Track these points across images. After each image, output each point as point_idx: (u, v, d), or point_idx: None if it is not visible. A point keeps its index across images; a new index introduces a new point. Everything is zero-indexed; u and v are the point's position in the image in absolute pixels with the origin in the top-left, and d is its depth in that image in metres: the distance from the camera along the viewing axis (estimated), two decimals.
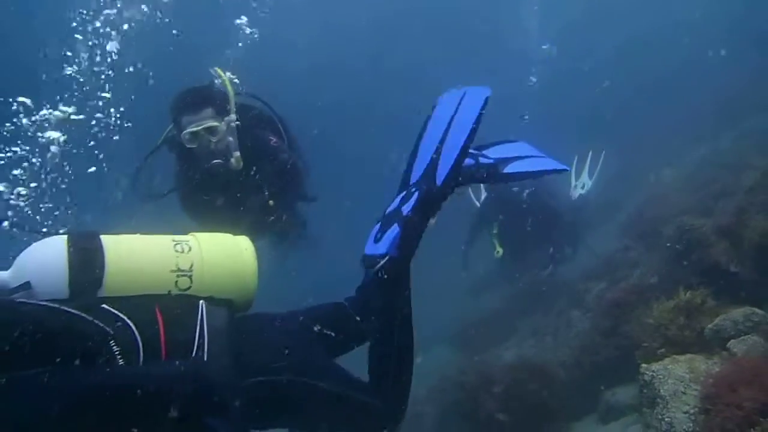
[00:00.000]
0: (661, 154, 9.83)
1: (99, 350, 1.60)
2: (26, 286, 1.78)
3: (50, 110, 4.70)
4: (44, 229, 2.03)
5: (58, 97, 5.02)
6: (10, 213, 4.30)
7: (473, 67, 15.46)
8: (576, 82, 15.18)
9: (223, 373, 1.76)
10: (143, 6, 6.37)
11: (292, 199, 4.12)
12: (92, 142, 5.16)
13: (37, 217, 4.58)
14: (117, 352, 1.63)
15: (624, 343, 4.58)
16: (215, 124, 3.54)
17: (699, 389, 3.16)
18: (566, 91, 15.04)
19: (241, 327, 2.00)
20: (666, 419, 3.18)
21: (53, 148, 4.64)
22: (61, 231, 1.97)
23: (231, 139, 3.62)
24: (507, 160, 2.50)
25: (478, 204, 7.76)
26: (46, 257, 1.85)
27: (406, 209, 2.18)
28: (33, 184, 4.49)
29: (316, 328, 2.28)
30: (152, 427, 1.59)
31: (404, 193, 2.27)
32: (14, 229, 2.01)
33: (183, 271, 1.99)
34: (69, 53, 5.52)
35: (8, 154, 4.42)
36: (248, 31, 9.45)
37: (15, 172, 4.46)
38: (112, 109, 5.33)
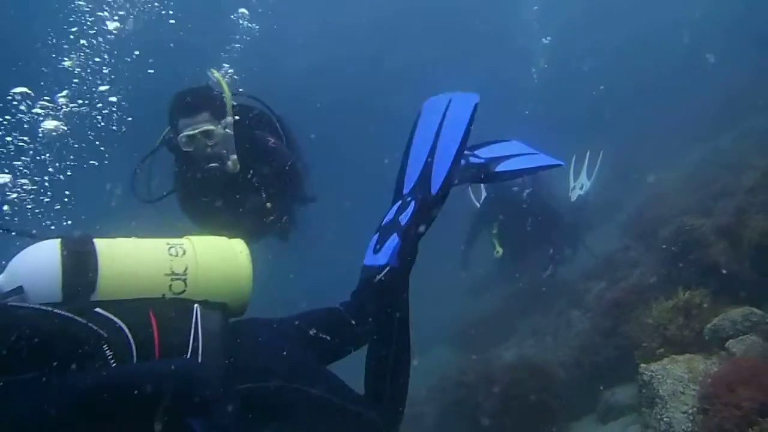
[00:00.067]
0: (661, 154, 9.83)
1: (92, 354, 1.59)
2: (19, 290, 1.77)
3: (49, 101, 4.71)
4: (33, 231, 1.99)
5: (57, 89, 5.05)
6: (5, 207, 4.31)
7: (473, 66, 15.49)
8: (575, 82, 15.18)
9: (215, 375, 1.75)
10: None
11: (291, 200, 4.12)
12: (91, 133, 5.17)
13: (37, 210, 4.60)
14: (110, 356, 1.62)
15: (623, 343, 4.58)
16: (211, 128, 3.53)
17: (697, 389, 3.16)
18: (565, 91, 15.04)
19: (236, 331, 1.99)
20: (665, 419, 3.19)
21: (52, 134, 4.65)
22: (53, 235, 1.95)
23: (228, 142, 3.61)
24: (499, 159, 2.50)
25: (477, 204, 7.77)
26: (40, 261, 1.84)
27: (404, 219, 2.18)
28: (35, 179, 4.50)
29: (311, 332, 2.28)
30: (139, 425, 1.58)
31: (400, 203, 2.27)
32: (2, 231, 1.97)
33: (177, 274, 1.98)
34: (66, 46, 5.54)
35: (10, 147, 4.43)
36: (248, 25, 9.47)
37: (16, 163, 4.48)
38: (111, 97, 5.34)
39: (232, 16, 9.64)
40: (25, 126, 4.67)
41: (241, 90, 4.09)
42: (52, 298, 1.79)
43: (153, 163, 3.74)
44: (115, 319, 1.73)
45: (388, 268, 2.09)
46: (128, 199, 3.80)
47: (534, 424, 4.58)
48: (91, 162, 5.62)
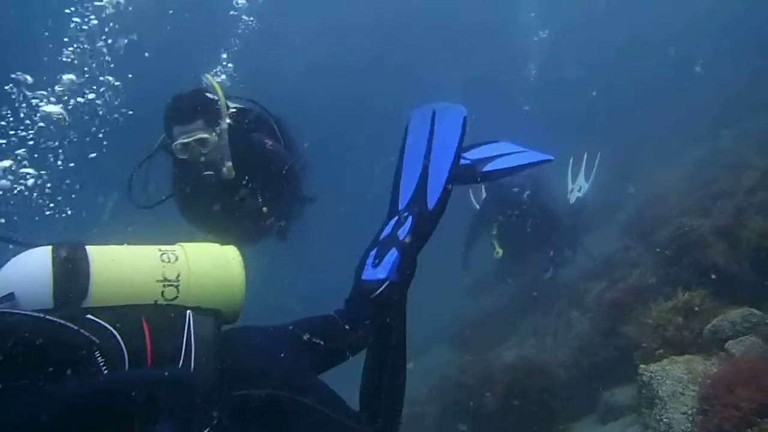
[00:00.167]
0: (660, 154, 9.83)
1: (84, 361, 1.58)
2: (10, 296, 1.75)
3: (48, 92, 4.71)
4: (20, 239, 1.98)
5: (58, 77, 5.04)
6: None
7: (473, 64, 15.50)
8: (574, 82, 15.18)
9: (206, 382, 1.75)
10: None
11: (291, 201, 4.12)
12: (86, 116, 5.17)
13: (41, 200, 4.60)
14: (102, 363, 1.60)
15: (623, 344, 4.59)
16: (205, 136, 3.52)
17: (697, 390, 3.18)
18: (564, 91, 15.04)
19: (229, 338, 1.98)
20: (664, 420, 3.19)
21: (53, 120, 4.64)
22: (44, 242, 1.95)
23: (223, 149, 3.60)
24: (486, 160, 2.50)
25: (477, 206, 7.78)
26: (31, 267, 1.83)
27: (402, 234, 2.19)
28: (36, 172, 4.50)
29: (305, 337, 2.27)
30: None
31: (397, 218, 2.28)
32: None
33: (169, 280, 1.96)
34: (66, 39, 5.53)
35: (11, 135, 4.43)
36: (246, 18, 9.47)
37: (19, 151, 4.47)
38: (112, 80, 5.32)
39: (231, 12, 9.67)
40: (22, 114, 4.66)
41: (237, 97, 4.07)
42: (43, 304, 1.78)
43: (150, 168, 3.72)
44: (107, 326, 1.72)
45: (387, 282, 2.10)
46: (125, 204, 3.79)
47: (534, 425, 4.59)
48: (91, 155, 5.61)
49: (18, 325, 1.57)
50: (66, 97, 4.93)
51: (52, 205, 4.67)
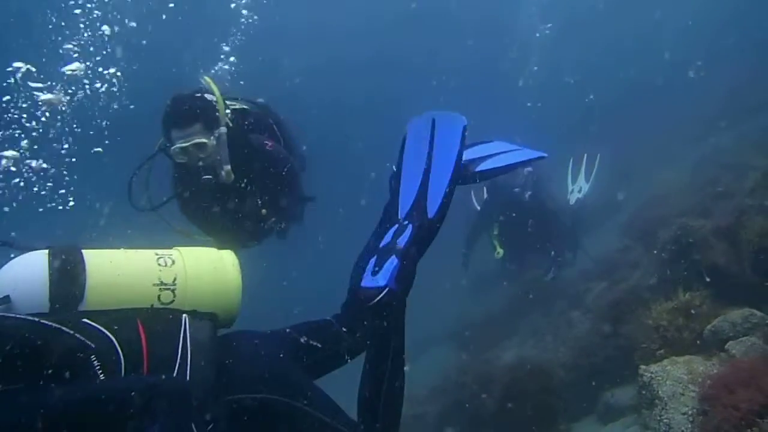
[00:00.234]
0: (661, 155, 9.83)
1: (80, 365, 1.58)
2: (6, 299, 1.76)
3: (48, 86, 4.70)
4: (17, 242, 1.98)
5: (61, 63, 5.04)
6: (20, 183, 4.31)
7: (473, 61, 15.49)
8: (574, 81, 15.16)
9: (202, 386, 1.74)
10: None
11: (291, 202, 4.12)
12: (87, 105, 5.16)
13: (43, 192, 4.59)
14: (98, 367, 1.60)
15: (623, 344, 4.59)
16: (203, 140, 3.50)
17: (697, 390, 3.17)
18: (563, 93, 15.03)
19: (225, 342, 1.99)
20: (664, 420, 3.19)
21: (52, 104, 4.63)
22: (41, 246, 1.94)
23: (221, 152, 3.59)
24: (480, 159, 2.50)
25: (478, 206, 7.78)
26: (27, 271, 1.84)
27: (402, 242, 2.20)
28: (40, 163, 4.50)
29: (302, 340, 2.28)
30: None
31: (396, 226, 2.28)
32: None
33: (166, 284, 1.97)
34: (68, 32, 5.53)
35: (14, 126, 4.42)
36: (246, 13, 9.48)
37: (23, 144, 4.47)
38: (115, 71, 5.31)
39: (231, 5, 9.68)
40: (24, 105, 4.66)
41: (235, 98, 4.05)
42: (40, 308, 1.79)
43: (150, 170, 3.69)
44: (103, 330, 1.71)
45: (387, 290, 2.10)
46: (122, 208, 3.78)
47: (534, 425, 4.59)
48: (96, 150, 5.60)
49: (12, 329, 1.57)
50: (68, 88, 4.94)
51: (55, 196, 4.68)
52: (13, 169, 4.39)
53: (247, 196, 3.81)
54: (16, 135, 4.55)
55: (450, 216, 2.36)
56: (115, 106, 5.56)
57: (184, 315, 1.90)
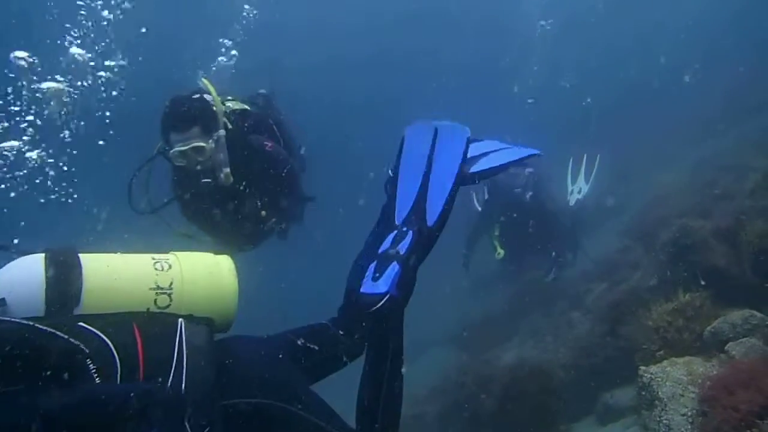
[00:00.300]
0: (661, 155, 9.83)
1: (75, 369, 1.58)
2: (2, 302, 1.76)
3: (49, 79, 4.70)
4: (14, 246, 1.98)
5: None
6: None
7: (474, 63, 15.48)
8: (575, 82, 15.16)
9: (198, 390, 1.74)
10: None
11: (291, 203, 4.12)
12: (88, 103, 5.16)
13: (48, 182, 4.59)
14: (94, 371, 1.60)
15: (623, 345, 4.59)
16: (202, 144, 3.51)
17: (697, 392, 3.18)
18: (563, 93, 15.02)
19: (221, 347, 1.98)
20: (664, 421, 3.20)
21: (53, 103, 4.63)
22: (39, 249, 1.95)
23: (220, 156, 3.59)
24: (473, 160, 2.48)
25: (479, 207, 7.78)
26: (23, 274, 1.84)
27: (402, 249, 2.19)
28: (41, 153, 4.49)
29: (299, 342, 2.28)
30: None
31: (396, 232, 2.27)
32: None
33: (162, 289, 1.98)
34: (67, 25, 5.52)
35: (21, 119, 4.42)
36: (248, 8, 9.48)
37: (25, 137, 4.47)
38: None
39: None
40: (25, 93, 4.65)
41: (233, 98, 4.05)
42: (36, 311, 1.79)
43: (151, 172, 3.69)
44: (99, 334, 1.71)
45: (388, 296, 2.10)
46: (119, 213, 3.78)
47: (533, 425, 4.59)
48: (100, 142, 5.61)
49: (6, 333, 1.57)
50: (71, 77, 4.93)
51: (57, 188, 4.68)
52: (12, 156, 4.39)
53: (247, 198, 3.81)
54: (22, 126, 4.55)
55: (450, 217, 2.36)
56: (115, 93, 5.53)
57: (180, 319, 1.90)
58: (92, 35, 5.56)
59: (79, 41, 5.39)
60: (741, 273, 4.04)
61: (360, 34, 15.15)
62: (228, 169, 3.60)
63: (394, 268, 2.14)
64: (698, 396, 3.14)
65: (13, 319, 1.66)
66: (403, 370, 2.16)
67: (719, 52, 13.03)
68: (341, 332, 2.44)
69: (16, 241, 2.04)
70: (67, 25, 5.48)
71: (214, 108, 3.62)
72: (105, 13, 5.82)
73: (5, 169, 4.37)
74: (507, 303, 8.19)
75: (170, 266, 2.03)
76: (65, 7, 5.83)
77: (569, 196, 8.19)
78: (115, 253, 2.05)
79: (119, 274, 1.96)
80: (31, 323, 1.62)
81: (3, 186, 4.35)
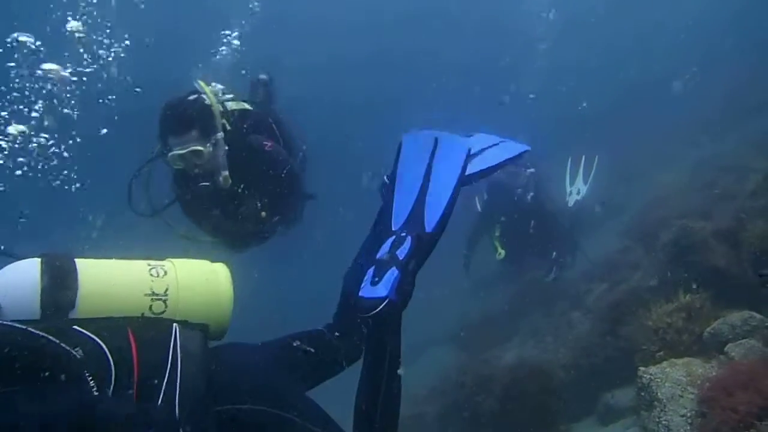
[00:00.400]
0: (661, 156, 9.83)
1: (68, 372, 1.57)
2: None
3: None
4: (10, 250, 1.99)
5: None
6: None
7: (474, 53, 15.45)
8: (575, 82, 15.15)
9: (192, 396, 1.74)
10: None
11: (292, 203, 4.12)
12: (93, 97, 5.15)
13: (50, 168, 4.58)
14: (88, 375, 1.60)
15: (623, 346, 4.60)
16: (200, 148, 3.50)
17: (696, 393, 3.18)
18: (565, 92, 15.01)
19: (216, 354, 1.99)
20: (663, 422, 3.20)
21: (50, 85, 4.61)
22: (35, 254, 1.96)
23: (218, 159, 3.59)
24: (468, 159, 2.46)
25: (479, 207, 7.79)
26: (19, 277, 1.84)
27: (401, 254, 2.19)
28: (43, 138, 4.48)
29: (295, 344, 2.29)
30: None
31: (394, 238, 2.27)
32: None
33: (158, 294, 1.98)
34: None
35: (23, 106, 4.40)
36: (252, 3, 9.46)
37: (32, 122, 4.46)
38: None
39: None
40: (28, 84, 4.63)
41: (231, 99, 4.04)
42: (30, 315, 1.79)
43: (151, 174, 3.69)
44: (94, 337, 1.71)
45: (387, 301, 2.09)
46: (115, 220, 3.77)
47: (533, 425, 4.60)
48: (103, 131, 5.59)
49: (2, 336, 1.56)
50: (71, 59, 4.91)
51: (61, 175, 4.67)
52: (20, 140, 4.38)
53: (246, 200, 3.81)
54: (26, 112, 4.54)
55: (451, 218, 2.36)
56: (116, 73, 5.50)
57: (174, 324, 1.90)
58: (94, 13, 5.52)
59: (78, 17, 5.35)
60: (741, 274, 4.05)
61: (360, 33, 15.14)
62: (226, 172, 3.60)
63: (393, 272, 2.13)
64: (697, 397, 3.14)
65: (5, 323, 1.65)
66: (400, 371, 2.16)
67: (719, 52, 13.01)
68: (338, 336, 2.45)
69: (2, 247, 2.04)
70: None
71: (212, 110, 3.61)
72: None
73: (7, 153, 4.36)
74: (507, 303, 8.20)
75: (166, 273, 2.03)
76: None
77: (568, 197, 8.20)
78: (111, 258, 2.06)
79: (115, 279, 1.96)
80: (23, 326, 1.61)
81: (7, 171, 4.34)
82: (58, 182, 4.83)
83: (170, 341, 1.82)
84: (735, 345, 3.42)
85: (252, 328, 2.42)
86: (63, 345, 1.61)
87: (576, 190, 8.21)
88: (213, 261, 2.21)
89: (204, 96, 3.65)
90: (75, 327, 1.74)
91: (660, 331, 3.91)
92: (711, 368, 3.36)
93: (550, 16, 15.07)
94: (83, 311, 1.86)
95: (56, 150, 4.69)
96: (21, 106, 4.49)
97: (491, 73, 15.24)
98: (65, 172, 4.81)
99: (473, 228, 7.83)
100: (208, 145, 3.53)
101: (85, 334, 1.72)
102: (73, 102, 4.90)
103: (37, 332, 1.60)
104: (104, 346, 1.70)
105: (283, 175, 3.84)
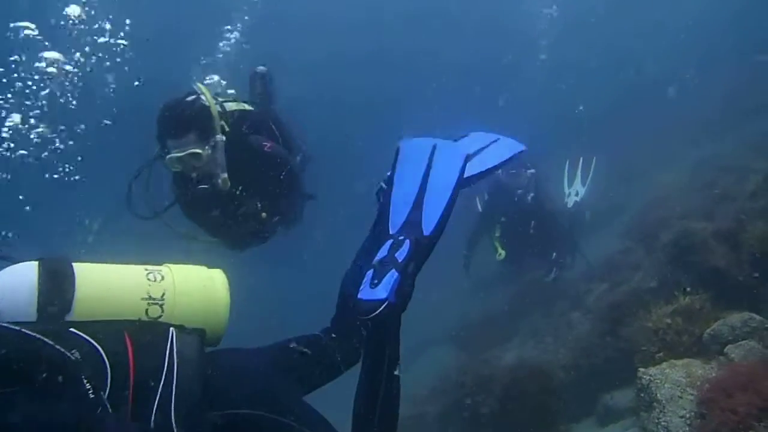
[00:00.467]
0: (661, 157, 9.82)
1: (64, 375, 1.57)
2: None
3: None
4: (8, 254, 2.00)
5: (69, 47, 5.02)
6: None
7: (474, 52, 15.44)
8: (575, 82, 15.15)
9: (188, 401, 1.75)
10: None
11: (292, 203, 4.12)
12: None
13: (53, 159, 4.56)
14: (84, 377, 1.60)
15: (623, 346, 4.60)
16: (198, 151, 3.50)
17: (695, 394, 3.18)
18: (565, 92, 15.01)
19: (212, 359, 1.99)
20: (662, 423, 3.21)
21: (51, 69, 4.60)
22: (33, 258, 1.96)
23: (217, 161, 3.58)
24: (466, 159, 2.46)
25: (479, 207, 7.79)
26: (16, 280, 1.85)
27: (401, 256, 2.19)
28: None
29: (291, 345, 2.29)
30: None
31: (392, 241, 2.26)
32: None
33: (154, 299, 1.99)
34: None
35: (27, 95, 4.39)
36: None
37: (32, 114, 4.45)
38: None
39: None
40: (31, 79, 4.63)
41: (230, 99, 4.03)
42: (27, 317, 1.79)
43: (151, 175, 3.67)
44: (90, 340, 1.72)
45: (387, 303, 2.09)
46: (113, 224, 3.77)
47: (533, 426, 4.60)
48: (105, 122, 5.58)
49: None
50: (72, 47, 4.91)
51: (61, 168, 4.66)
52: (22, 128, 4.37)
53: (246, 201, 3.81)
54: (27, 103, 4.54)
55: (451, 218, 2.36)
56: (118, 62, 5.49)
57: (171, 329, 1.90)
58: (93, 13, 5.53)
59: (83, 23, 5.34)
60: (741, 275, 4.04)
61: (360, 31, 15.11)
62: (225, 174, 3.59)
63: (393, 275, 2.13)
64: (697, 398, 3.14)
65: (2, 325, 1.65)
66: (397, 372, 2.16)
67: (719, 53, 13.01)
68: (336, 339, 2.45)
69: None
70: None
71: (211, 111, 3.60)
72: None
73: (12, 145, 4.36)
74: (507, 303, 8.20)
75: (163, 277, 2.04)
76: None
77: (566, 198, 8.21)
78: (109, 263, 2.07)
79: (112, 283, 1.97)
80: (18, 328, 1.62)
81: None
82: (57, 175, 4.83)
83: (166, 345, 1.83)
84: (735, 346, 3.42)
85: (250, 332, 2.42)
86: (59, 347, 1.62)
87: (575, 191, 8.22)
88: (210, 267, 2.22)
89: (202, 97, 3.64)
90: (71, 330, 1.74)
91: (660, 332, 3.91)
92: (710, 369, 3.36)
93: (553, 13, 15.05)
94: (80, 314, 1.87)
95: (60, 147, 4.69)
96: (25, 100, 4.49)
97: (491, 73, 15.26)
98: (66, 165, 4.82)
99: (473, 228, 7.83)
100: (206, 147, 3.52)
101: (82, 336, 1.72)
102: (68, 95, 4.90)
103: (33, 334, 1.61)
104: (101, 349, 1.71)
105: (282, 176, 3.84)
